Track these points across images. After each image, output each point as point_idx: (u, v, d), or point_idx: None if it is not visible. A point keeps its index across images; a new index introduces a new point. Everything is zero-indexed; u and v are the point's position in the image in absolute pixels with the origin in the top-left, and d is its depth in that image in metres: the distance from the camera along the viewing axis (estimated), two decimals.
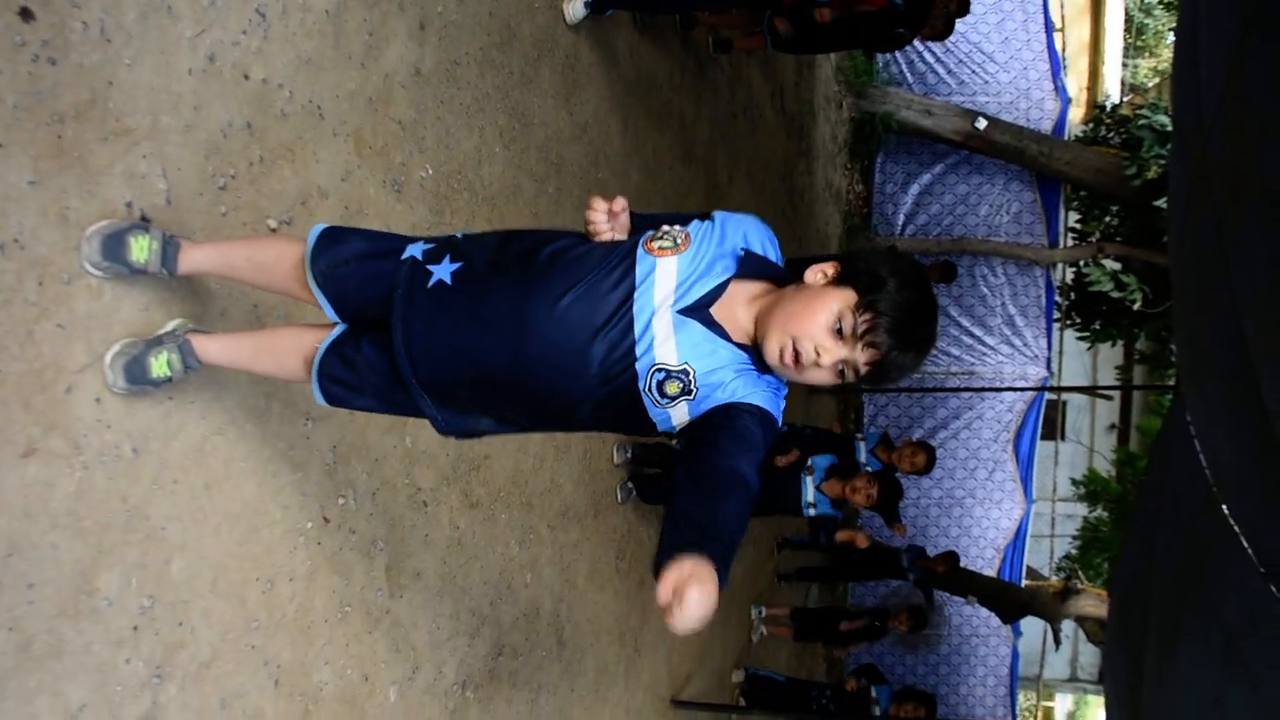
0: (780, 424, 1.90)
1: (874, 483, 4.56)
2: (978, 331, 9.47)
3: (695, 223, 1.95)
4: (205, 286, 2.41)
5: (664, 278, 1.82)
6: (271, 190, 2.60)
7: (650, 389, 1.81)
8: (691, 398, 1.80)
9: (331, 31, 2.80)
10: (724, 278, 1.84)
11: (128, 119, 2.16)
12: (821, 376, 1.81)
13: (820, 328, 1.75)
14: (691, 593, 1.41)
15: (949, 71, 9.13)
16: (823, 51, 6.65)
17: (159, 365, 2.15)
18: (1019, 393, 9.34)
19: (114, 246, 2.07)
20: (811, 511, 4.70)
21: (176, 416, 2.31)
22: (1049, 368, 9.40)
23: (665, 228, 1.91)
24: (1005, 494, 9.39)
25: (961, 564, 8.63)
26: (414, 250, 2.00)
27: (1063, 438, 13.35)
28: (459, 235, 2.05)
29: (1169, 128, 7.37)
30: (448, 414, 2.02)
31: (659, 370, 1.80)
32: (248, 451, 2.54)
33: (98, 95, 2.09)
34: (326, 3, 2.77)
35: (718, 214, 1.98)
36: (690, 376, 1.79)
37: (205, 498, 2.40)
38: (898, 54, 9.19)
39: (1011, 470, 9.41)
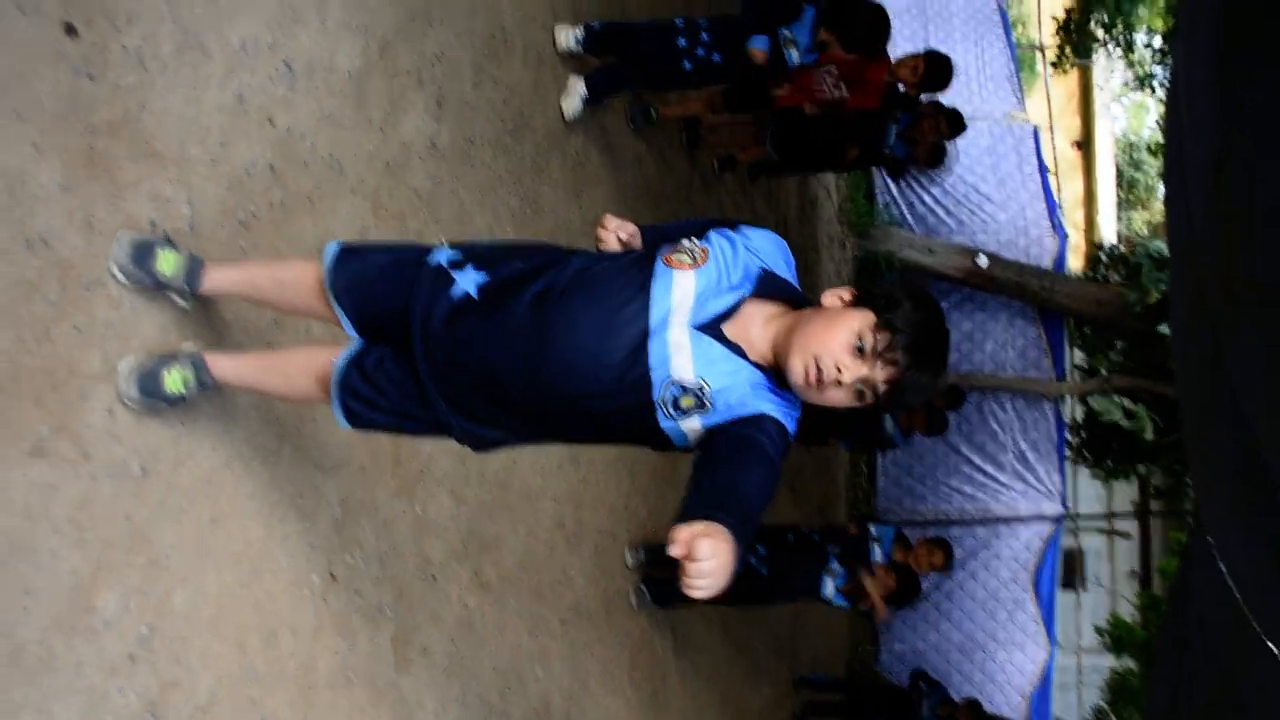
0: (792, 439, 1.88)
1: (891, 573, 4.44)
2: (989, 468, 9.38)
3: (713, 235, 1.96)
4: (222, 317, 2.42)
5: (681, 291, 1.84)
6: (290, 234, 2.64)
7: (664, 401, 1.82)
8: (705, 412, 1.82)
9: (353, 93, 2.91)
10: (740, 295, 1.86)
11: (157, 143, 2.23)
12: (841, 396, 1.81)
13: (841, 346, 1.77)
14: (702, 545, 1.44)
15: (948, 213, 9.40)
16: (815, 165, 6.78)
17: (172, 380, 2.13)
18: (1036, 530, 9.17)
19: (143, 254, 2.09)
20: (828, 602, 4.57)
21: (187, 443, 2.28)
22: (1064, 502, 9.27)
23: (684, 243, 1.93)
24: (1028, 636, 9.08)
25: (986, 710, 8.26)
26: (439, 257, 2.00)
27: (1084, 587, 12.99)
28: (480, 243, 2.07)
29: (1166, 253, 7.52)
30: (462, 422, 2.01)
31: (674, 384, 1.81)
32: (255, 491, 2.49)
33: (130, 116, 2.16)
34: (350, 65, 2.89)
35: (738, 229, 2.00)
36: (705, 392, 1.80)
37: (210, 532, 2.34)
38: (898, 196, 9.49)
39: (1033, 610, 9.12)
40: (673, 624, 5.05)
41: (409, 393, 2.00)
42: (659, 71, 4.10)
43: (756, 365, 1.84)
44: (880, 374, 1.77)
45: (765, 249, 1.96)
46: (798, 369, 1.78)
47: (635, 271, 1.89)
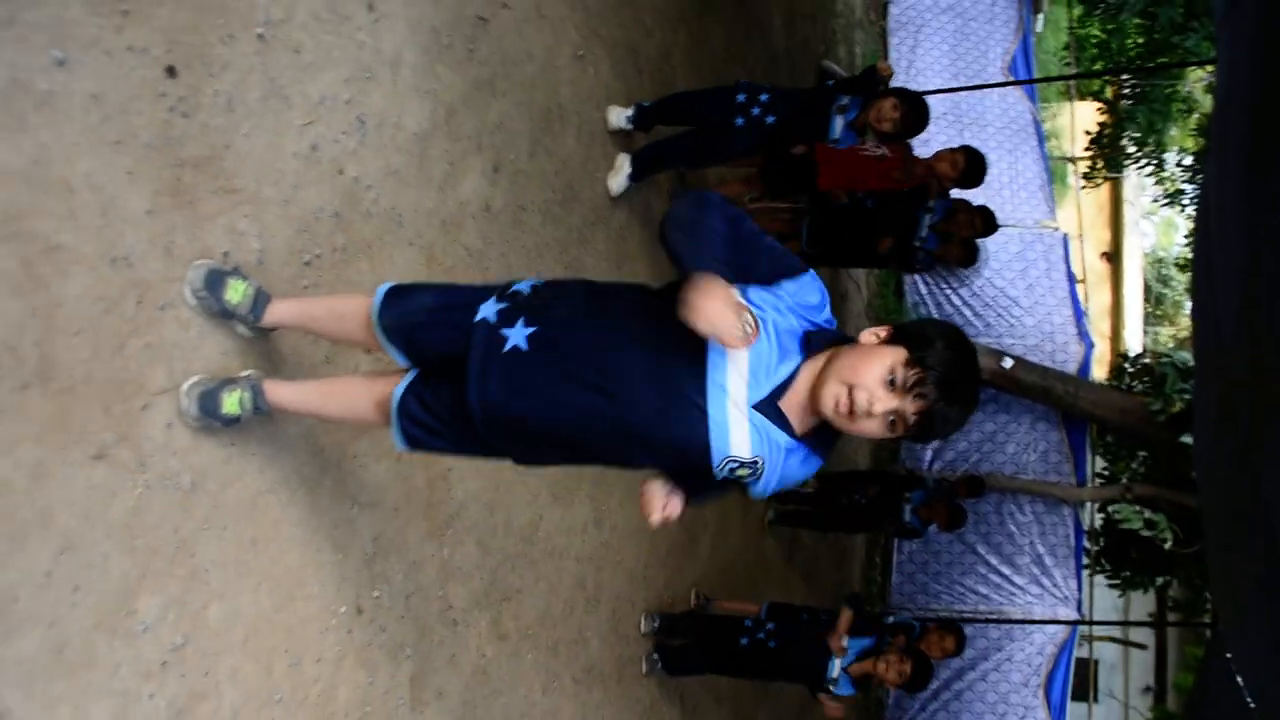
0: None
1: (907, 660, 4.43)
2: (1006, 570, 9.29)
3: (753, 293, 1.95)
4: (279, 351, 2.55)
5: (735, 369, 1.90)
6: (349, 278, 2.78)
7: (722, 470, 1.94)
8: (757, 480, 1.97)
9: (418, 152, 3.08)
10: (793, 366, 1.92)
11: (236, 181, 2.38)
12: (872, 427, 1.88)
13: (874, 379, 1.85)
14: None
15: (975, 314, 9.49)
16: (848, 260, 6.89)
17: (230, 402, 2.25)
18: (1050, 635, 9.04)
19: (215, 281, 2.23)
20: (832, 689, 4.54)
21: (236, 464, 2.39)
22: (1079, 609, 9.15)
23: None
24: None
25: None
26: (486, 312, 2.06)
27: (1095, 700, 12.72)
28: (526, 290, 2.10)
29: (1191, 364, 7.57)
30: (520, 455, 2.16)
31: (733, 461, 1.92)
32: (296, 518, 2.58)
33: (215, 154, 2.32)
34: (416, 126, 3.06)
35: (778, 284, 2.01)
36: (760, 465, 1.93)
37: (250, 553, 2.43)
38: (926, 295, 9.60)
39: (1043, 718, 8.96)
40: (682, 694, 5.04)
41: (466, 424, 2.07)
42: (707, 136, 4.21)
43: (803, 437, 1.95)
44: (911, 406, 1.85)
45: (802, 292, 1.97)
46: (829, 400, 1.86)
47: (688, 345, 1.90)
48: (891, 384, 1.85)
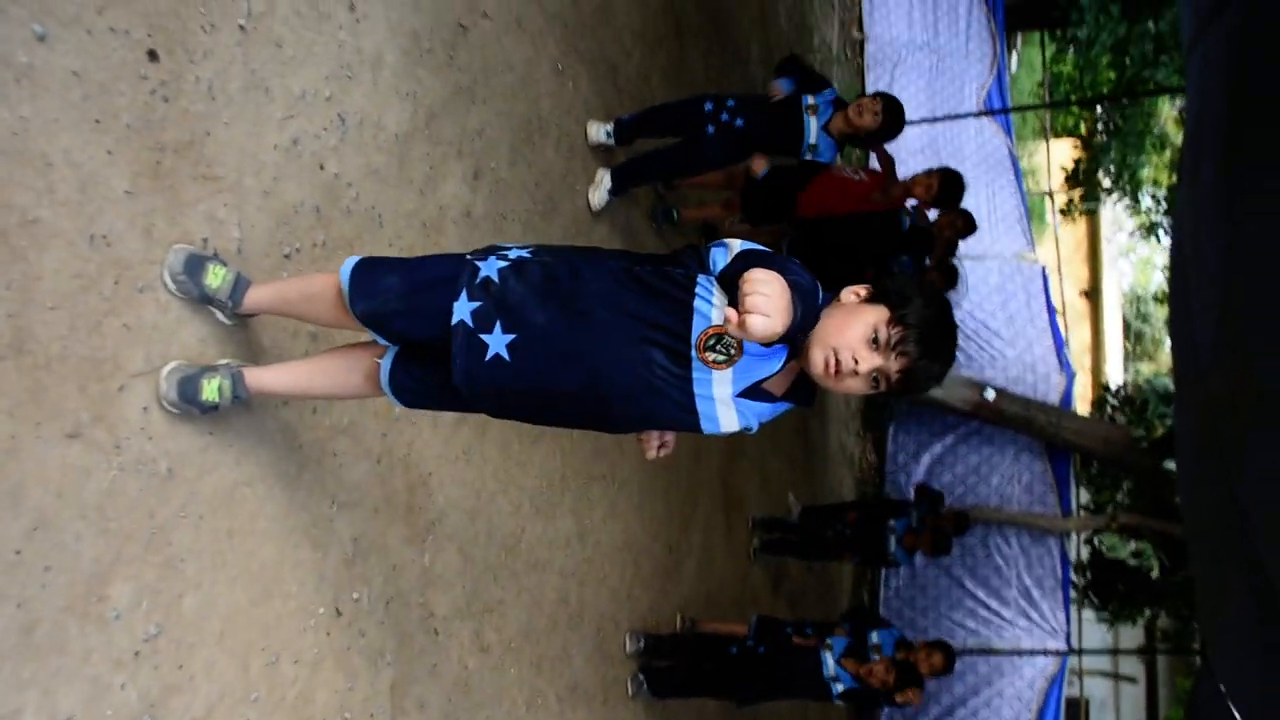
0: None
1: (891, 670, 4.38)
2: (993, 604, 9.25)
3: None
4: (259, 340, 2.53)
5: (721, 385, 1.98)
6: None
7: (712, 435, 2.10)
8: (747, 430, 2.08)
9: (398, 153, 3.08)
10: (779, 363, 1.98)
11: (217, 168, 2.38)
12: (858, 385, 1.94)
13: (858, 339, 1.90)
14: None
15: (957, 346, 9.52)
16: (828, 285, 6.93)
17: (210, 389, 2.22)
18: (1039, 670, 8.98)
19: (195, 266, 2.21)
20: (838, 687, 4.50)
21: (214, 453, 2.35)
22: (1068, 642, 9.09)
23: (719, 333, 1.96)
24: None
25: None
26: (461, 313, 2.03)
27: None
28: (495, 277, 2.05)
29: (1171, 389, 7.61)
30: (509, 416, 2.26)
31: (723, 434, 2.07)
32: (274, 513, 2.54)
33: (196, 140, 2.32)
34: (397, 127, 3.07)
35: None
36: (751, 429, 2.06)
37: (227, 544, 2.38)
38: None
39: None
40: (669, 712, 4.95)
41: (455, 393, 2.12)
42: (683, 147, 4.28)
43: (783, 397, 2.06)
44: (894, 364, 1.90)
45: None
46: (818, 361, 1.91)
47: (675, 364, 1.97)
48: (874, 342, 1.90)
